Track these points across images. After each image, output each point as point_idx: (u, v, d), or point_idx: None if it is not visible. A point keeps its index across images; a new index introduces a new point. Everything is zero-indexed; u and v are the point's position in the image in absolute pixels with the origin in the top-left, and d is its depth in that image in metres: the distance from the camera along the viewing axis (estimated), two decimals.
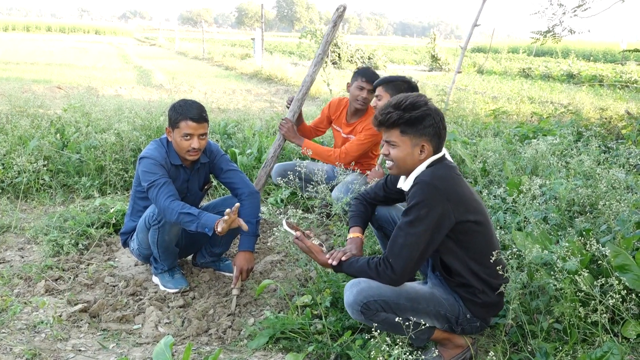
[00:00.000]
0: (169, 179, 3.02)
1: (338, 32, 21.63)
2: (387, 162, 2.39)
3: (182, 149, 3.06)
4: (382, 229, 2.78)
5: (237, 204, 2.78)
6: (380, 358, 2.00)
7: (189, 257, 3.63)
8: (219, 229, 2.77)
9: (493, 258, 2.22)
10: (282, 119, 4.08)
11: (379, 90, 3.56)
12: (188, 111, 3.01)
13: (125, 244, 3.40)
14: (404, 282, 2.28)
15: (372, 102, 3.60)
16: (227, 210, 2.74)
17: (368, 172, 3.86)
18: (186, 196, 3.25)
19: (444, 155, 2.36)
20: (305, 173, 3.82)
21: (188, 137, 3.02)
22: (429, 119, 2.26)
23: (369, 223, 2.82)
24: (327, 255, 2.44)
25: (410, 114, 2.25)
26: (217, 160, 3.33)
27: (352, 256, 2.42)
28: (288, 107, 4.16)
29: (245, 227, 2.82)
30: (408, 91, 3.46)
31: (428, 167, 2.30)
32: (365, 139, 4.07)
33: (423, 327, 2.17)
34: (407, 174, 2.38)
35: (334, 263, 2.40)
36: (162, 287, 3.23)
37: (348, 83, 4.20)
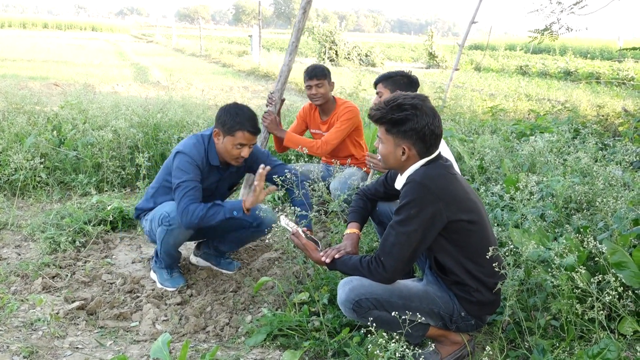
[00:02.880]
0: (199, 183, 3.01)
1: (335, 30, 21.64)
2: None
3: (230, 156, 3.08)
4: (383, 224, 2.79)
5: (266, 169, 2.97)
6: (378, 352, 2.01)
7: (188, 256, 3.63)
8: (247, 204, 2.93)
9: (489, 254, 2.22)
10: (265, 112, 4.10)
11: (380, 87, 3.56)
12: (248, 123, 3.02)
13: (138, 218, 3.38)
14: (395, 280, 2.29)
15: (374, 99, 3.61)
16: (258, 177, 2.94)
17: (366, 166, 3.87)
18: (213, 194, 3.22)
19: (439, 154, 2.36)
20: (301, 173, 3.83)
21: (240, 147, 3.05)
22: (410, 123, 2.23)
23: (370, 218, 2.83)
24: (321, 253, 2.45)
25: (393, 115, 2.25)
26: (259, 159, 3.29)
27: (345, 254, 2.43)
28: (267, 106, 4.17)
29: (273, 188, 3.06)
30: (407, 85, 3.46)
31: (422, 166, 2.30)
32: (342, 125, 4.21)
33: (418, 323, 2.17)
34: (398, 171, 2.39)
35: (327, 261, 2.41)
36: (159, 285, 3.23)
37: None
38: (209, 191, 3.17)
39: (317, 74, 4.17)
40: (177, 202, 2.94)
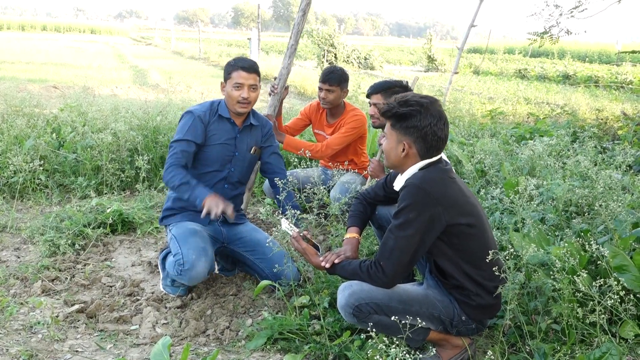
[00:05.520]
0: (191, 143, 3.09)
1: (334, 33, 21.68)
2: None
3: (233, 100, 3.14)
4: (382, 228, 2.78)
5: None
6: (378, 357, 2.00)
7: None
8: (206, 206, 2.88)
9: (489, 258, 2.22)
10: (264, 115, 4.09)
11: (377, 98, 3.56)
12: (240, 62, 3.18)
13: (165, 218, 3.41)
14: (395, 284, 2.29)
15: (370, 111, 3.62)
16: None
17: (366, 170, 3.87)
18: (234, 156, 3.25)
19: (440, 158, 2.36)
20: (301, 179, 3.84)
21: (238, 87, 3.12)
22: (414, 119, 2.25)
23: (370, 222, 2.83)
24: (321, 258, 2.45)
25: (398, 109, 2.27)
26: (269, 135, 3.41)
27: (345, 259, 2.43)
28: (270, 95, 4.19)
29: (229, 210, 2.91)
30: (401, 92, 3.49)
31: (421, 169, 2.31)
32: (346, 132, 4.19)
33: (418, 327, 2.17)
34: (398, 170, 2.39)
35: (327, 266, 2.41)
36: (161, 287, 3.21)
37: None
38: (229, 153, 3.23)
39: (330, 80, 4.14)
40: (167, 159, 3.10)
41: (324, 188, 3.30)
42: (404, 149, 2.30)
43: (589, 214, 3.32)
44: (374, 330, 2.05)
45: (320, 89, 4.22)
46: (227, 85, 3.17)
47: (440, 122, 2.26)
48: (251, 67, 3.15)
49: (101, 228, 3.97)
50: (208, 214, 2.86)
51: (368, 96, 3.65)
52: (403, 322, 2.11)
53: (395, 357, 1.93)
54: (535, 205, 3.18)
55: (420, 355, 2.35)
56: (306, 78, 14.49)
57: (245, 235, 3.30)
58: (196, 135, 3.11)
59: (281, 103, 4.21)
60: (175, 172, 3.03)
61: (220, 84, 3.25)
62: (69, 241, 3.65)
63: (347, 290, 2.28)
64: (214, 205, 2.86)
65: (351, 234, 2.64)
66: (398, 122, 2.29)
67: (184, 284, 3.15)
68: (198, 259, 2.90)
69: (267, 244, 3.08)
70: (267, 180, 4.27)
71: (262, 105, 10.37)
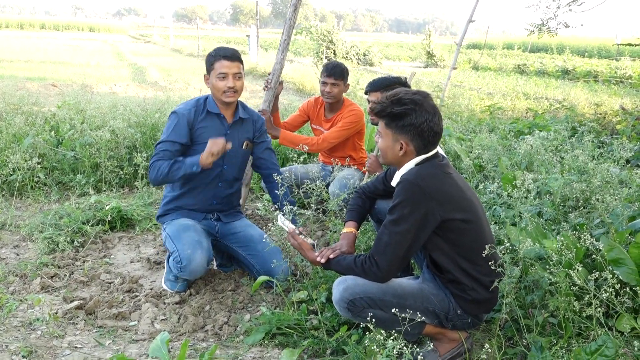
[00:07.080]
0: (176, 143, 3.06)
1: (333, 29, 21.64)
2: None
3: (219, 91, 3.11)
4: (381, 222, 2.78)
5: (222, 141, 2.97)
6: (375, 348, 2.01)
7: None
8: (202, 159, 2.92)
9: (485, 252, 2.23)
10: (258, 110, 4.09)
11: (376, 96, 3.55)
12: (221, 51, 3.12)
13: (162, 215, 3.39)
14: (389, 279, 2.30)
15: (370, 107, 3.63)
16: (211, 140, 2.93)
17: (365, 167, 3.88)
18: (226, 154, 3.19)
19: (436, 153, 2.36)
20: (300, 174, 3.84)
21: (223, 77, 3.08)
22: (409, 118, 2.25)
23: (369, 216, 2.84)
24: (317, 253, 2.46)
25: (392, 108, 2.27)
26: (262, 131, 3.38)
27: (340, 254, 2.45)
28: (265, 90, 4.19)
29: (228, 146, 2.99)
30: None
31: (417, 164, 2.31)
32: (343, 127, 4.23)
33: (414, 321, 2.18)
34: (396, 167, 2.40)
35: (322, 261, 2.43)
36: (162, 282, 3.21)
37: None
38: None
39: (336, 74, 4.19)
40: (151, 159, 3.08)
41: (323, 183, 3.30)
42: (401, 147, 2.30)
43: (585, 208, 3.33)
44: (372, 321, 2.06)
45: (324, 83, 4.24)
46: (211, 77, 3.13)
47: (435, 117, 2.27)
48: (233, 55, 3.11)
49: (100, 225, 3.97)
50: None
51: (367, 93, 3.65)
52: (399, 315, 2.12)
53: (393, 350, 1.94)
54: (532, 200, 3.19)
55: (418, 349, 2.36)
56: (305, 74, 14.47)
57: (240, 231, 3.31)
58: (180, 135, 3.08)
59: (276, 98, 4.21)
60: (158, 164, 3.02)
61: (203, 77, 3.21)
62: (68, 238, 3.66)
63: (341, 285, 2.29)
64: (213, 148, 2.91)
65: (348, 228, 2.65)
66: (393, 121, 2.29)
67: (186, 279, 3.16)
68: (194, 252, 2.94)
69: (262, 240, 3.08)
70: None
71: (257, 102, 10.37)
